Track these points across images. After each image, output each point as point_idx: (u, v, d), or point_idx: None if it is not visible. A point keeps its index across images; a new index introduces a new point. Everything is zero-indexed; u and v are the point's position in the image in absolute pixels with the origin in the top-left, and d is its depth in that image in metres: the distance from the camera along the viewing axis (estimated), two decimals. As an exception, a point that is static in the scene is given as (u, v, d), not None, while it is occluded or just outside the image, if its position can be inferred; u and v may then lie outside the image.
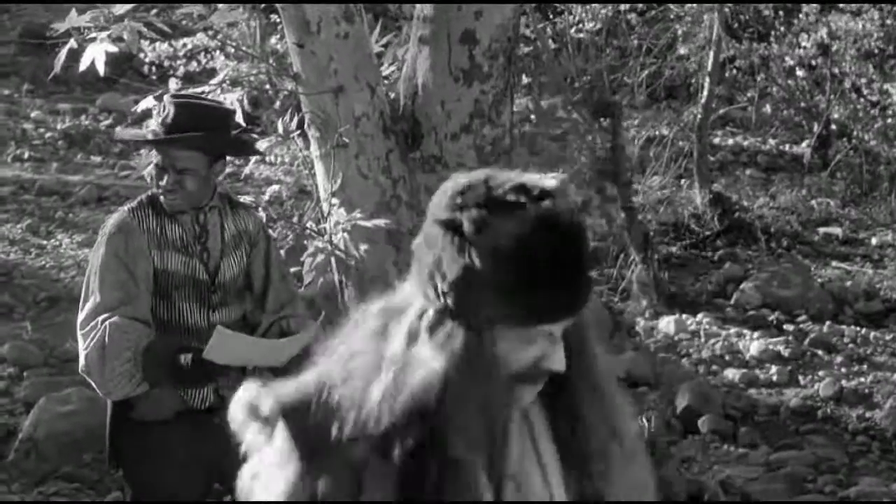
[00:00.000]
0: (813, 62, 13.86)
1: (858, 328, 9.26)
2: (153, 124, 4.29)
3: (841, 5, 13.45)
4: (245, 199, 5.49)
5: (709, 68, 11.90)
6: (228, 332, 4.16)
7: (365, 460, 2.05)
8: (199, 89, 5.06)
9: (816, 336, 8.96)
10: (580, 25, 12.06)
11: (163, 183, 4.22)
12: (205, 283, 4.34)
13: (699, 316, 9.35)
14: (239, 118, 5.00)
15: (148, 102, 5.07)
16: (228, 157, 4.61)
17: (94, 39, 4.54)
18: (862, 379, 8.23)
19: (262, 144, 5.27)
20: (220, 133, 4.33)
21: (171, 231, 4.29)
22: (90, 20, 4.56)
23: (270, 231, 4.85)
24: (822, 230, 11.91)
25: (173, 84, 5.05)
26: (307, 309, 7.43)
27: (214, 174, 4.36)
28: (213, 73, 9.79)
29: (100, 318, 4.10)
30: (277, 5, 5.26)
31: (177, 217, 4.30)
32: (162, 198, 4.25)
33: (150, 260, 4.23)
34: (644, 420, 7.08)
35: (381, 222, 4.70)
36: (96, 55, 4.53)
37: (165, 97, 4.36)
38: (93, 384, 4.23)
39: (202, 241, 4.35)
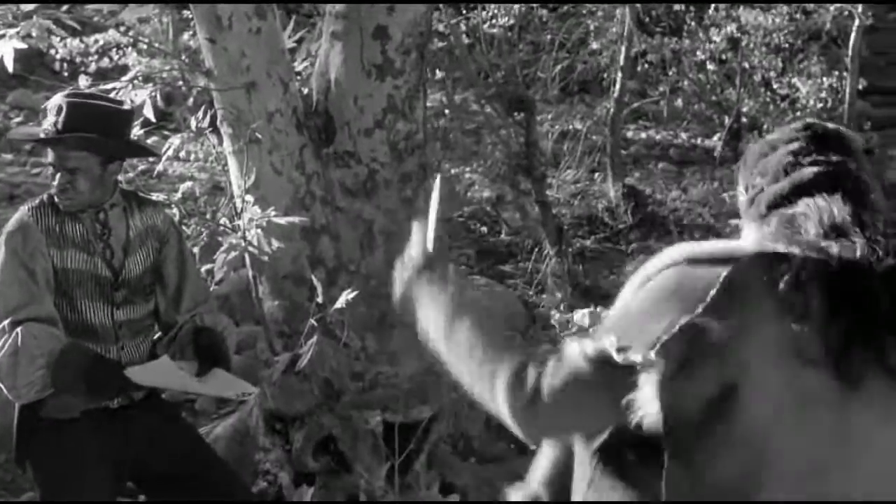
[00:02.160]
0: (723, 56, 14.01)
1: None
2: (46, 123, 4.25)
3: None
4: (158, 195, 5.47)
5: (621, 63, 11.99)
6: (169, 363, 4.17)
7: None
8: (110, 86, 5.03)
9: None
10: (493, 21, 12.10)
11: (55, 182, 4.19)
12: (108, 280, 4.30)
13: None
14: (150, 115, 4.98)
15: (58, 99, 5.03)
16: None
17: (2, 36, 4.51)
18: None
19: (175, 141, 5.26)
20: (112, 135, 4.29)
21: (72, 229, 4.25)
22: (-2, 16, 4.52)
23: (184, 228, 4.82)
24: (733, 222, 12.02)
25: (83, 81, 5.02)
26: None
27: (110, 174, 4.32)
28: (125, 69, 9.71)
29: (7, 322, 4.06)
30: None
31: (77, 215, 4.26)
32: (56, 197, 4.22)
33: (49, 259, 4.19)
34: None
35: (295, 219, 4.70)
36: (5, 52, 4.49)
37: (59, 96, 4.30)
38: (2, 388, 4.19)
39: (104, 238, 4.31)
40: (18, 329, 4.02)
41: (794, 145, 2.49)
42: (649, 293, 2.33)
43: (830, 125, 2.59)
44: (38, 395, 4.09)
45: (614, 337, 2.27)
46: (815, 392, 2.18)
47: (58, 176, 4.18)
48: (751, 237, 2.43)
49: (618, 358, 2.24)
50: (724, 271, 2.23)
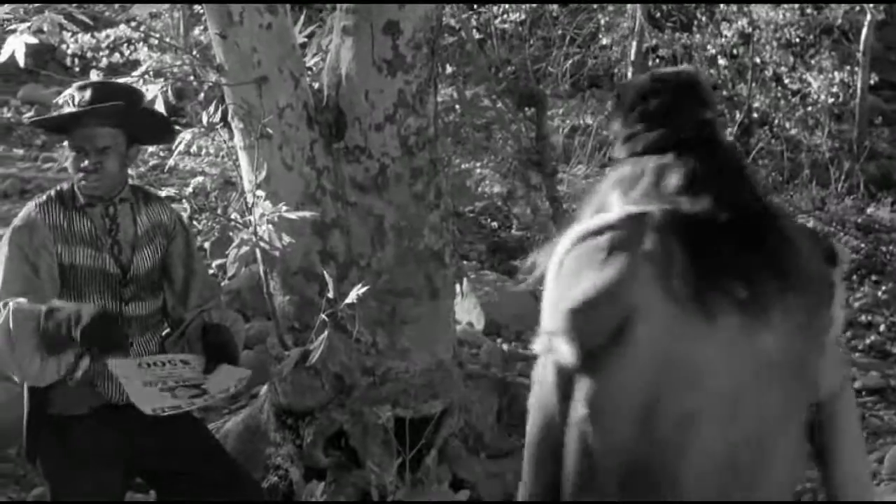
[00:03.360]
0: (734, 51, 14.01)
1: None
2: (70, 106, 4.23)
3: (761, -5, 13.58)
4: (170, 190, 5.47)
5: (631, 58, 11.99)
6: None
7: None
8: (121, 80, 5.03)
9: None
10: (504, 16, 12.11)
11: (84, 164, 4.17)
12: (116, 276, 4.29)
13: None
14: (162, 110, 4.98)
15: (72, 90, 5.04)
16: (151, 149, 4.59)
17: (14, 31, 4.51)
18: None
19: (186, 136, 5.26)
20: (137, 109, 4.30)
21: (80, 225, 4.25)
22: (9, 11, 4.52)
23: (195, 223, 4.82)
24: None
25: (95, 76, 5.01)
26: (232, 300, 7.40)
27: (130, 158, 4.33)
28: (136, 64, 9.74)
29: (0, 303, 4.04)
30: (200, -4, 5.24)
31: (85, 211, 4.25)
32: (82, 182, 4.20)
33: (56, 256, 4.18)
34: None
35: (305, 214, 4.70)
36: (16, 47, 4.49)
37: (73, 87, 4.30)
38: (9, 373, 4.17)
39: (112, 234, 4.30)
40: (8, 307, 3.99)
41: (671, 97, 3.00)
42: (565, 272, 2.88)
43: (702, 77, 3.18)
44: (41, 369, 4.03)
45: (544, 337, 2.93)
46: (683, 324, 2.75)
47: (86, 159, 4.17)
48: (615, 202, 2.95)
49: (552, 345, 2.89)
50: (606, 237, 2.80)
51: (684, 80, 3.05)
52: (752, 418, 2.82)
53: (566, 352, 2.84)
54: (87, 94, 4.18)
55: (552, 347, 2.89)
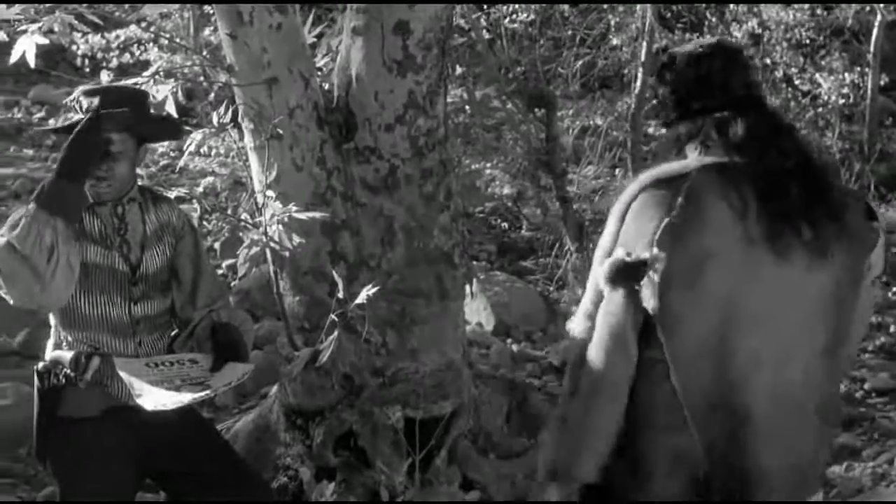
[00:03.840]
0: (745, 52, 13.97)
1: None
2: (78, 112, 4.23)
3: (771, -5, 13.57)
4: (179, 191, 5.47)
5: (642, 58, 11.96)
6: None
7: None
8: (132, 81, 5.03)
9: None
10: (514, 16, 12.09)
11: (100, 172, 4.17)
12: (125, 275, 4.30)
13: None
14: (172, 110, 4.98)
15: (78, 94, 5.04)
16: (162, 150, 4.59)
17: (24, 31, 4.51)
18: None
19: (196, 136, 5.26)
20: (145, 111, 4.31)
21: (90, 223, 4.25)
22: (20, 12, 4.52)
23: (205, 223, 4.82)
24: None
25: (105, 76, 5.01)
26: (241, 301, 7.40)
27: (139, 160, 4.35)
28: (146, 64, 9.75)
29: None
30: (210, -3, 5.24)
31: (95, 209, 4.25)
32: (94, 188, 4.20)
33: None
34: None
35: (315, 214, 4.70)
36: (27, 47, 4.49)
37: (76, 93, 4.27)
38: (33, 302, 4.03)
39: (121, 233, 4.31)
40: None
41: (721, 61, 3.32)
42: (634, 213, 3.17)
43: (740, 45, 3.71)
44: (63, 274, 3.93)
45: (622, 249, 3.15)
46: (755, 265, 3.06)
47: (102, 165, 4.17)
48: (692, 156, 3.27)
49: (629, 259, 3.11)
50: (683, 184, 3.08)
51: (731, 47, 3.42)
52: (804, 356, 3.15)
53: (646, 293, 3.09)
54: (95, 100, 4.18)
55: (623, 284, 3.13)
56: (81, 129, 3.92)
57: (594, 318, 3.21)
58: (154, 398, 4.04)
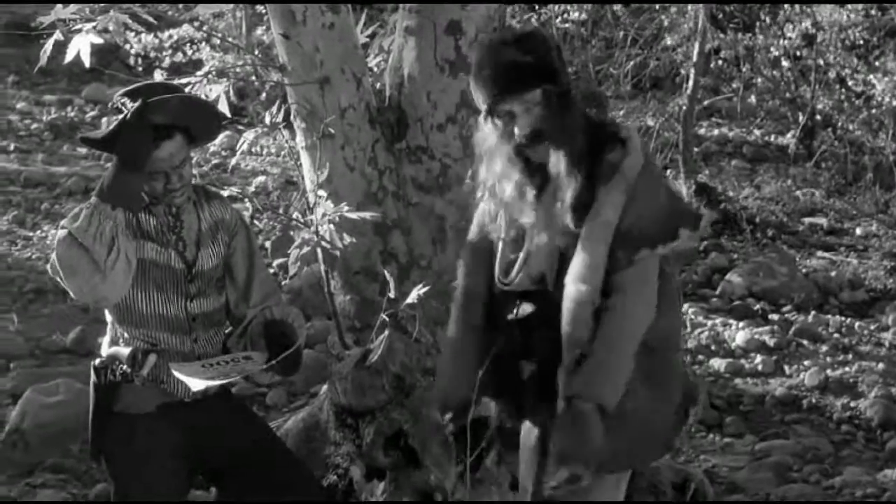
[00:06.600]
0: (798, 53, 13.89)
1: (843, 318, 9.28)
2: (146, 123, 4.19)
3: (825, -4, 13.48)
4: (232, 190, 5.49)
5: (694, 59, 11.90)
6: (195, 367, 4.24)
7: None
8: (185, 80, 5.05)
9: (801, 326, 8.98)
10: (566, 16, 12.08)
11: (171, 185, 4.19)
12: (181, 272, 4.32)
13: (685, 306, 9.34)
14: (225, 110, 5.00)
15: (122, 97, 5.04)
16: (214, 149, 4.61)
17: (79, 31, 4.54)
18: (847, 368, 8.25)
19: (248, 135, 5.28)
20: (193, 115, 4.31)
21: (146, 221, 4.27)
22: (76, 11, 4.55)
23: (256, 222, 4.84)
24: (807, 220, 11.94)
25: (158, 76, 5.04)
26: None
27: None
28: (199, 64, 9.80)
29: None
30: (263, -4, 5.25)
31: (150, 208, 4.28)
32: (167, 197, 4.22)
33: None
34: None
35: (367, 214, 4.70)
36: (82, 46, 4.52)
37: (121, 95, 4.22)
38: (92, 294, 4.06)
39: (176, 230, 4.34)
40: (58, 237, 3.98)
41: None
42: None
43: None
44: (122, 267, 4.00)
45: None
46: None
47: (172, 177, 4.18)
48: None
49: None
50: None
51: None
52: None
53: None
54: (138, 98, 4.15)
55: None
56: (131, 120, 3.96)
57: None
58: (203, 384, 4.10)
